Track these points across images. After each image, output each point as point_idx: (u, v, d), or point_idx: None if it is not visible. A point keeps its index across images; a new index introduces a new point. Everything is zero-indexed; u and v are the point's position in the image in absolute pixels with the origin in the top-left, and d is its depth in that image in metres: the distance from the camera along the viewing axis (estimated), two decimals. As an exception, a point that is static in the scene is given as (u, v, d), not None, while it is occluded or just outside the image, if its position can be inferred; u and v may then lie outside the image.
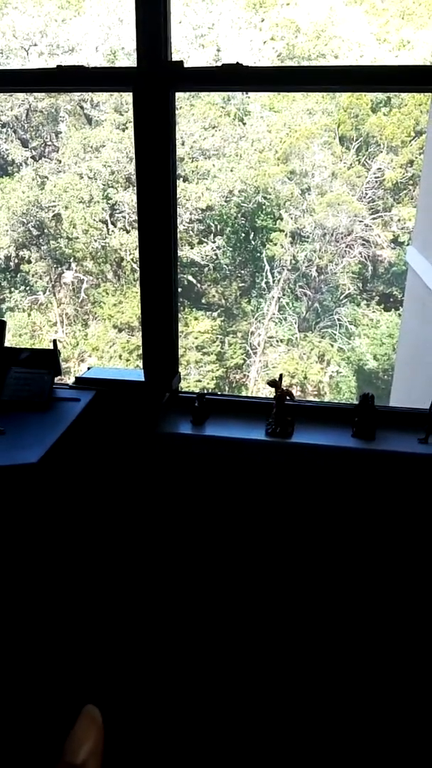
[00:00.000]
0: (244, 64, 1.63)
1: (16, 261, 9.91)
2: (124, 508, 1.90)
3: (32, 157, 9.64)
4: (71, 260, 10.06)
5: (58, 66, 1.62)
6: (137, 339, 9.44)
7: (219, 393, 2.09)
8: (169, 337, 1.88)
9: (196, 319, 10.15)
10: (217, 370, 10.21)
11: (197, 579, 1.95)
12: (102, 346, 9.69)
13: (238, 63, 1.59)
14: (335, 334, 10.31)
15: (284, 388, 1.78)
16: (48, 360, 1.71)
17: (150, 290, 1.83)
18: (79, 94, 8.74)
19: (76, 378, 1.82)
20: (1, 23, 9.34)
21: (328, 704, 1.88)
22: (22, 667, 1.57)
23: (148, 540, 1.93)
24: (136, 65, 1.62)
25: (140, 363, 1.91)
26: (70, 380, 1.89)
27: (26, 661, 1.57)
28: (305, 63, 9.80)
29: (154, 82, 1.60)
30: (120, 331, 9.72)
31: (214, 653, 1.97)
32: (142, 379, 1.90)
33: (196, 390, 2.02)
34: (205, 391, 1.97)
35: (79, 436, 1.60)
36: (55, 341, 1.75)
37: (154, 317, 1.85)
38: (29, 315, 9.68)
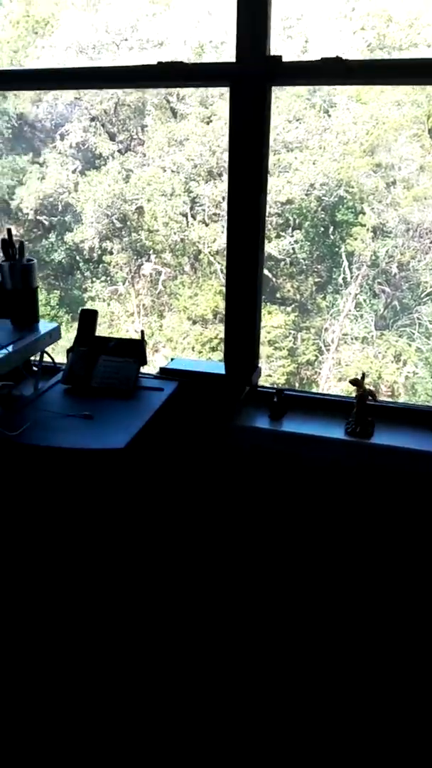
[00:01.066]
0: (342, 56, 1.60)
1: (99, 252, 10.24)
2: (200, 498, 1.93)
3: (119, 151, 9.89)
4: (151, 252, 10.27)
5: (158, 62, 1.66)
6: (210, 331, 9.50)
7: (298, 389, 2.09)
8: (251, 331, 1.89)
9: (269, 313, 10.10)
10: (289, 365, 10.12)
11: (270, 574, 1.96)
12: (176, 337, 9.84)
13: (338, 57, 1.56)
14: (414, 334, 9.95)
15: (366, 388, 1.75)
16: (135, 349, 1.76)
17: (235, 284, 1.85)
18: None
19: (161, 368, 1.86)
20: (95, 19, 9.60)
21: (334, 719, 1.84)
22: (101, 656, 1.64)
23: (222, 531, 1.96)
24: (234, 60, 1.62)
25: (212, 355, 1.94)
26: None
27: (107, 649, 1.64)
28: (396, 53, 9.46)
29: (253, 77, 1.60)
30: (194, 323, 9.83)
31: (290, 655, 1.98)
32: (223, 372, 1.92)
33: (266, 384, 2.03)
34: (284, 387, 1.98)
35: (161, 425, 1.65)
36: (142, 332, 1.81)
37: (237, 311, 1.87)
38: (108, 305, 9.98)
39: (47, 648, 1.69)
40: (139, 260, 10.32)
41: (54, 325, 1.72)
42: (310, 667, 1.96)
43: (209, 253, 9.67)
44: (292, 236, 10.03)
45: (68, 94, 9.42)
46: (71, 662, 1.69)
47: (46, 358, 1.78)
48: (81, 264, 10.56)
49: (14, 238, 1.69)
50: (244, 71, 1.61)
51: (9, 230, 1.65)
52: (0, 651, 1.75)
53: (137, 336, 1.77)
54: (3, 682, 1.80)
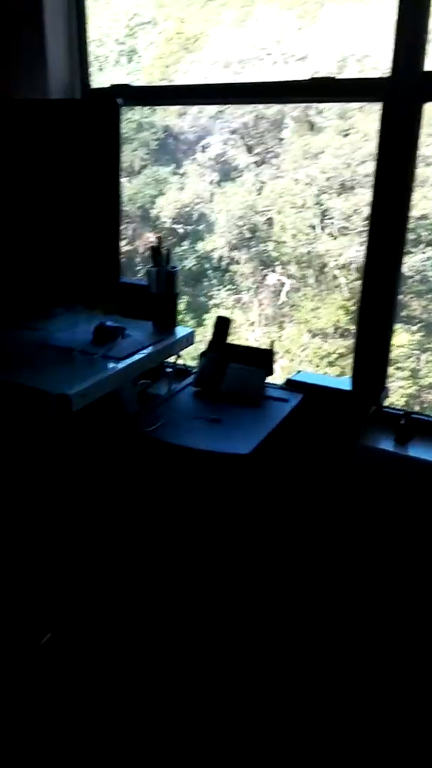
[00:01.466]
0: None
1: (228, 261, 10.49)
2: (317, 514, 1.92)
3: (254, 163, 10.09)
4: (276, 263, 10.35)
5: (312, 78, 1.69)
6: (330, 346, 9.36)
7: (426, 414, 2.01)
8: (382, 349, 1.86)
9: (393, 331, 9.76)
10: (409, 387, 9.69)
11: (378, 598, 1.91)
12: (294, 349, 9.80)
13: None
14: None
15: None
16: (263, 359, 1.80)
17: (369, 300, 1.83)
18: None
19: (287, 380, 1.89)
20: (242, 34, 9.87)
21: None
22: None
23: (335, 549, 1.93)
24: (387, 74, 1.61)
25: (329, 370, 1.93)
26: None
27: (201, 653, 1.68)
28: None
29: (407, 93, 1.58)
30: (314, 336, 9.74)
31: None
32: (349, 388, 1.90)
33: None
34: (411, 410, 1.92)
35: (284, 436, 1.66)
36: (272, 342, 1.84)
37: (369, 328, 1.85)
38: (231, 312, 10.18)
39: (145, 650, 1.76)
40: (265, 271, 10.44)
41: (190, 330, 1.80)
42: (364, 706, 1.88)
43: (335, 266, 9.54)
44: (423, 253, 9.61)
45: (212, 108, 9.76)
46: (171, 666, 1.74)
47: (179, 361, 1.86)
48: (209, 272, 10.88)
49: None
50: (397, 87, 1.60)
51: (159, 238, 1.76)
52: (105, 644, 1.85)
53: (257, 345, 1.81)
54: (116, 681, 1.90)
